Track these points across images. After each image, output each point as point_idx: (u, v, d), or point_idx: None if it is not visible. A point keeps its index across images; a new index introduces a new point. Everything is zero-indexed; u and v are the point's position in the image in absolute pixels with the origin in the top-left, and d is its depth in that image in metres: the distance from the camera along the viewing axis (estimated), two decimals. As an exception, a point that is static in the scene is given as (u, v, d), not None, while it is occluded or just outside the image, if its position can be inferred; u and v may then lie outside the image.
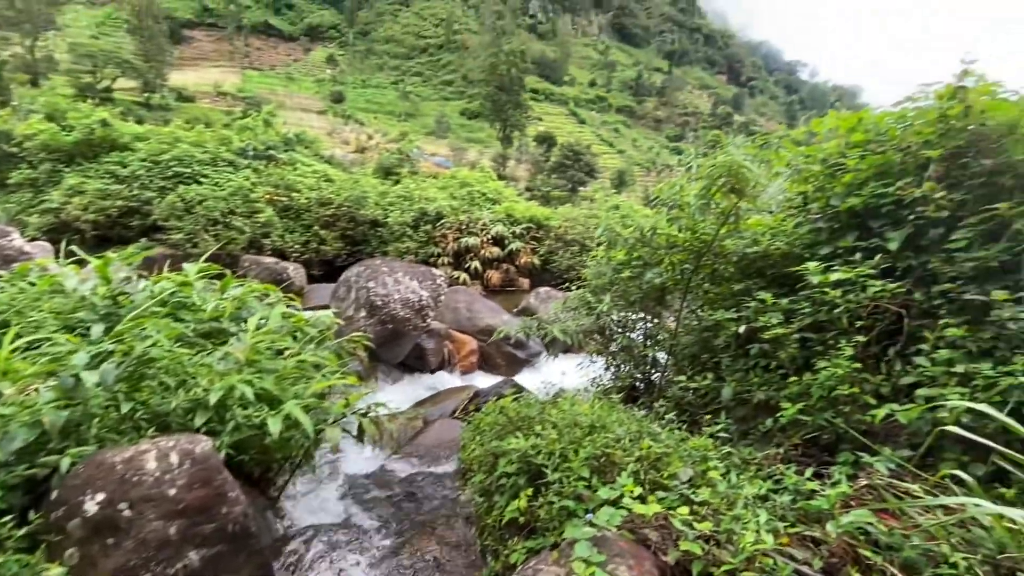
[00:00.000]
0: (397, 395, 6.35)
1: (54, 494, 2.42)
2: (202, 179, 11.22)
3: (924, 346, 2.48)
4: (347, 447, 3.91)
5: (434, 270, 9.33)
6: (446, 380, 7.44)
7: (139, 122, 15.29)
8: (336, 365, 4.12)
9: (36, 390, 2.81)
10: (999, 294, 2.33)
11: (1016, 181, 2.58)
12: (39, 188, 11.06)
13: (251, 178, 11.62)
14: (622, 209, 13.57)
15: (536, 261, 12.65)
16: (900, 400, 2.44)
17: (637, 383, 4.55)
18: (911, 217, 2.76)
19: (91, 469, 2.40)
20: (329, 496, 3.67)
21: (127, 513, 2.30)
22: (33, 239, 8.80)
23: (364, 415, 3.60)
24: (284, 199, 11.52)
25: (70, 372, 2.77)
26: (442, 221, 12.39)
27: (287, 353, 4.04)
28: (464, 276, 11.85)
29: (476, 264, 12.08)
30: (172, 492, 2.39)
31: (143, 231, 10.83)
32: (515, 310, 9.89)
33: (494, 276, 12.19)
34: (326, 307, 7.94)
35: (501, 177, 24.27)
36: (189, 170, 11.33)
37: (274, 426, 3.04)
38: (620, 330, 4.55)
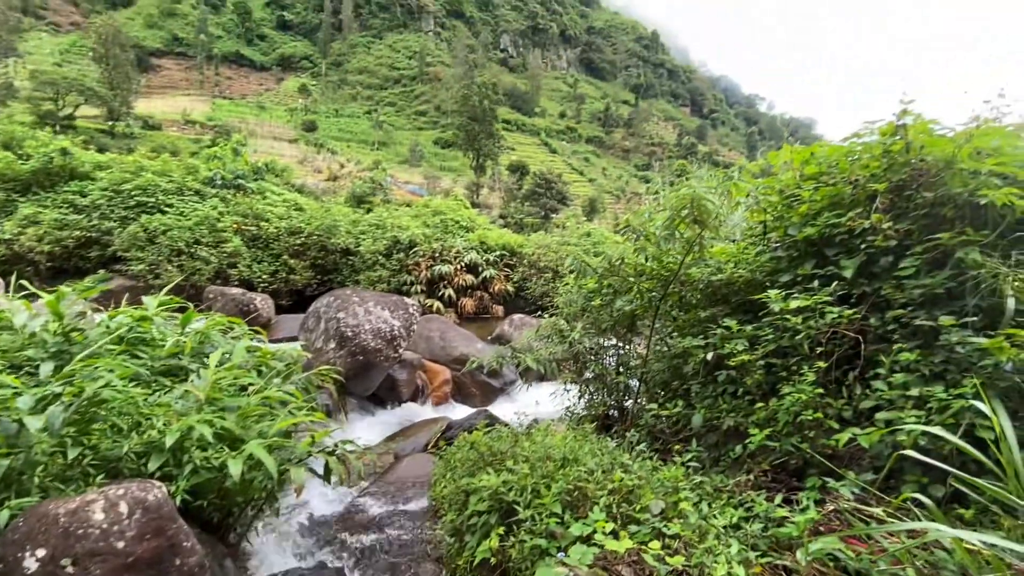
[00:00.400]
0: (367, 429, 6.17)
1: (-12, 552, 2.23)
2: (167, 208, 10.95)
3: (881, 370, 2.57)
4: (313, 487, 3.76)
5: (407, 299, 9.24)
6: (419, 412, 7.29)
7: (102, 150, 14.91)
8: (303, 400, 3.99)
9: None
10: (946, 319, 2.44)
11: (956, 212, 2.75)
12: (-10, 219, 10.59)
13: (218, 207, 11.39)
14: (593, 236, 13.82)
15: (510, 288, 12.68)
16: (862, 424, 2.51)
17: (610, 411, 4.55)
18: (863, 246, 2.90)
19: (32, 522, 2.24)
20: (294, 539, 3.50)
21: (70, 570, 2.14)
22: (-18, 272, 8.37)
23: (331, 453, 3.48)
24: (252, 228, 11.31)
25: (12, 417, 2.60)
26: (415, 249, 12.35)
27: (251, 389, 3.90)
28: (438, 304, 11.77)
29: (450, 292, 12.03)
30: (121, 545, 2.24)
31: (102, 262, 10.43)
32: (489, 338, 9.84)
33: (468, 304, 12.15)
34: (294, 339, 7.75)
35: (475, 205, 24.51)
36: (153, 199, 11.05)
37: (235, 468, 2.90)
38: (593, 357, 4.56)
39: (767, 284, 3.31)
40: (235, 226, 11.05)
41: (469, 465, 2.83)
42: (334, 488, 3.94)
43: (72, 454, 2.61)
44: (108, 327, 3.94)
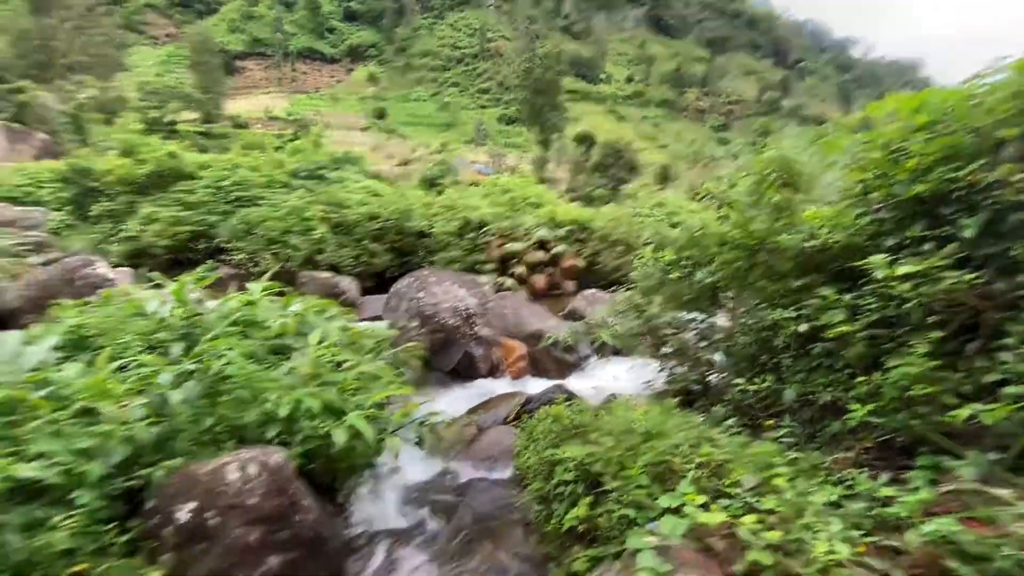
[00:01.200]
0: (449, 403, 6.48)
1: (149, 503, 2.65)
2: (260, 201, 11.89)
3: (1009, 340, 2.30)
4: (407, 455, 4.04)
5: (480, 277, 9.46)
6: (496, 386, 7.50)
7: (202, 151, 16.38)
8: (393, 375, 4.27)
9: (127, 407, 3.08)
10: (1094, 281, 2.14)
11: (1109, 157, 2.36)
12: (118, 218, 12.05)
13: (304, 197, 12.20)
14: (667, 206, 13.28)
15: (581, 263, 12.57)
16: (984, 399, 2.28)
17: (692, 386, 4.44)
18: (986, 202, 2.57)
19: (181, 480, 2.62)
20: (391, 502, 3.80)
21: (214, 521, 2.49)
22: (116, 265, 9.60)
23: (422, 424, 3.72)
24: (335, 216, 12.02)
25: (157, 391, 3.03)
26: (486, 228, 12.54)
27: (346, 365, 4.23)
28: (510, 282, 11.94)
29: (521, 269, 12.14)
30: (252, 501, 2.57)
31: (209, 253, 11.58)
32: (561, 313, 9.86)
33: (539, 280, 12.21)
34: (378, 318, 8.22)
35: (542, 180, 24.32)
36: (248, 193, 12.04)
37: (339, 436, 3.20)
38: (672, 332, 4.46)
39: (868, 249, 3.04)
40: (320, 214, 11.80)
41: (552, 437, 2.92)
42: (426, 456, 4.21)
43: (207, 423, 2.99)
44: (222, 311, 4.40)
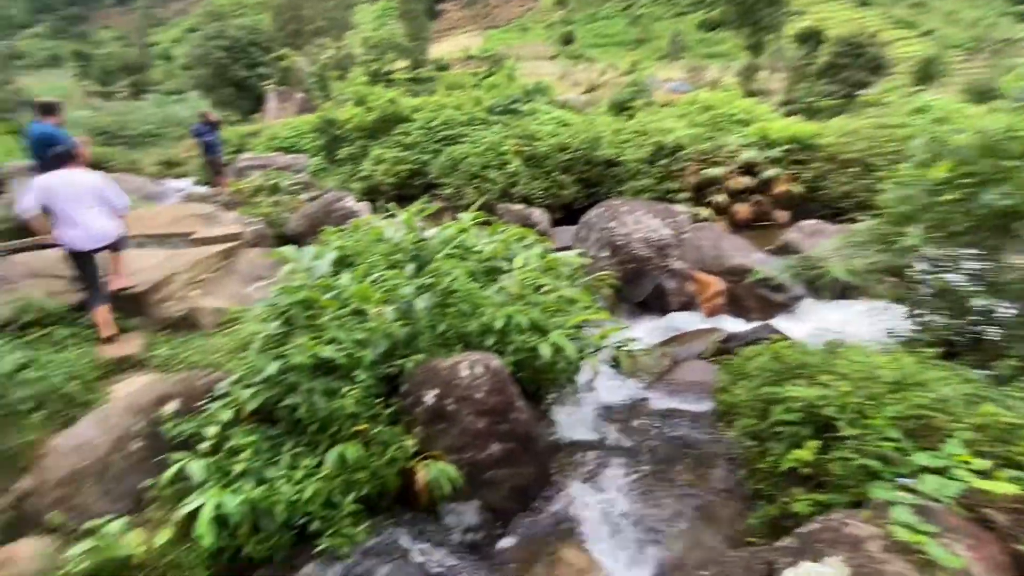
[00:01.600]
0: (639, 333, 6.46)
1: (403, 387, 3.30)
2: (463, 139, 12.91)
3: None
4: (602, 377, 4.21)
5: (674, 207, 8.89)
6: (689, 321, 7.18)
7: (413, 96, 18.27)
8: (589, 301, 4.41)
9: (383, 312, 3.80)
10: None
11: None
12: (356, 160, 14.43)
13: (500, 132, 12.83)
14: (932, 111, 10.35)
15: (797, 189, 10.80)
16: None
17: (954, 336, 3.59)
18: None
19: (425, 372, 3.18)
20: (588, 417, 4.05)
21: (452, 407, 2.99)
22: (359, 200, 11.63)
23: (619, 347, 3.81)
24: (527, 149, 12.41)
25: (404, 299, 3.66)
26: (681, 153, 11.56)
27: (545, 289, 4.50)
28: (707, 212, 10.97)
29: (721, 198, 10.99)
30: (479, 396, 3.00)
31: (424, 188, 13.18)
32: (770, 248, 8.76)
33: (742, 210, 10.92)
34: (568, 248, 8.46)
35: (750, 93, 21.11)
36: (453, 132, 13.15)
37: (545, 350, 3.47)
38: (933, 270, 3.60)
39: None
40: (514, 148, 12.32)
41: (770, 375, 2.70)
42: (622, 380, 4.34)
43: (440, 328, 3.54)
44: (442, 238, 5.00)
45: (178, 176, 16.65)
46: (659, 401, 4.13)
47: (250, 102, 26.18)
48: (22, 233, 6.56)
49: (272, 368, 2.98)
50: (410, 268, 4.33)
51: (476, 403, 2.97)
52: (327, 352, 3.11)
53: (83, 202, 4.33)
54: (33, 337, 4.17)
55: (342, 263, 4.71)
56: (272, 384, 3.04)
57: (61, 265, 4.78)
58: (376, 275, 4.14)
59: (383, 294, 3.81)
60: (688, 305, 7.53)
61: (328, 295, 3.56)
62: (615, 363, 3.99)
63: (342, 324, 3.36)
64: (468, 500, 2.90)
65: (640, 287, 7.16)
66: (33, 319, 4.36)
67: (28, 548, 2.57)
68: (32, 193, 4.21)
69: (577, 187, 12.46)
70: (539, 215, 11.05)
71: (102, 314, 4.50)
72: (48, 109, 5.79)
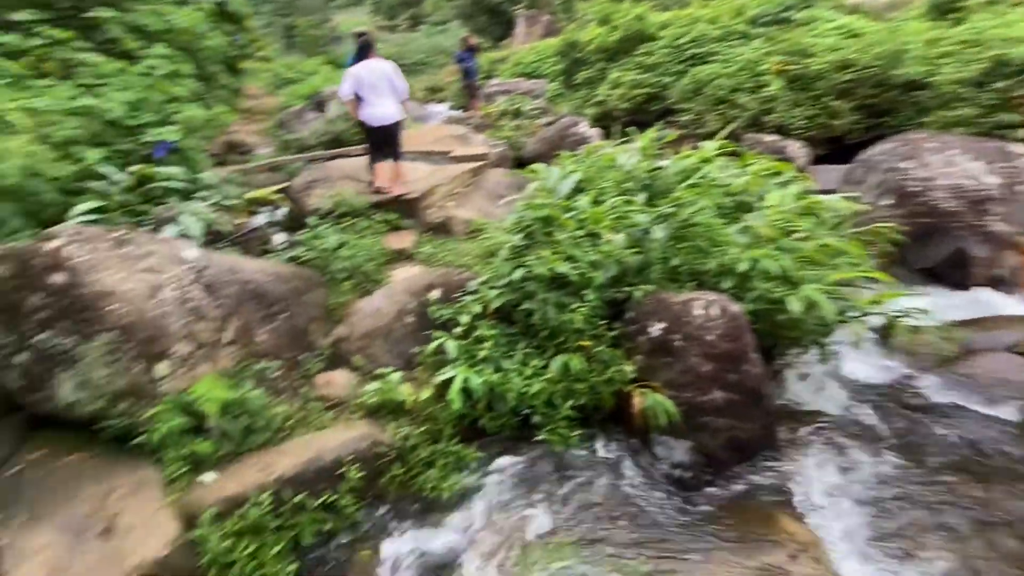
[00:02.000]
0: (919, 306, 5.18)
1: (629, 315, 3.32)
2: (713, 58, 11.46)
3: None
4: (860, 347, 3.53)
5: (1011, 147, 6.50)
6: (996, 302, 5.45)
7: (664, 10, 16.73)
8: (861, 256, 3.64)
9: (614, 238, 3.79)
10: None
11: None
12: (592, 85, 14.16)
13: (761, 48, 10.96)
14: None
15: None
16: None
17: None
18: None
19: (654, 303, 3.13)
20: (831, 389, 3.51)
21: (679, 343, 2.91)
22: (591, 126, 11.57)
23: (896, 318, 3.10)
24: (794, 67, 10.38)
25: (639, 227, 3.57)
26: (1037, 71, 8.21)
27: (801, 235, 3.86)
28: (1064, 157, 7.76)
29: (1097, 138, 7.61)
30: (710, 338, 2.83)
31: (659, 115, 12.33)
32: None
33: None
34: (831, 192, 7.05)
35: None
36: (703, 50, 11.75)
37: (794, 305, 3.05)
38: None
39: None
40: (777, 67, 10.44)
41: None
42: (887, 357, 3.60)
43: (674, 262, 3.39)
44: (679, 168, 4.63)
45: (440, 101, 18.92)
46: (938, 392, 3.31)
47: (501, 27, 27.63)
48: (337, 144, 8.37)
49: (516, 275, 3.30)
50: (641, 198, 4.17)
51: (706, 345, 2.81)
52: (563, 268, 3.29)
53: (377, 88, 5.36)
54: (345, 225, 5.41)
55: (577, 188, 4.81)
56: (513, 289, 3.39)
57: (364, 172, 6.01)
58: (610, 201, 4.12)
59: (613, 220, 3.79)
60: (999, 281, 5.67)
61: (567, 215, 3.70)
62: (883, 335, 3.29)
63: (578, 244, 3.47)
64: (681, 438, 2.86)
65: (932, 249, 5.61)
66: (345, 211, 5.63)
67: (342, 378, 3.50)
68: (347, 81, 5.37)
69: (855, 116, 10.07)
70: (796, 148, 9.37)
71: (379, 168, 5.77)
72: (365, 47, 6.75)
